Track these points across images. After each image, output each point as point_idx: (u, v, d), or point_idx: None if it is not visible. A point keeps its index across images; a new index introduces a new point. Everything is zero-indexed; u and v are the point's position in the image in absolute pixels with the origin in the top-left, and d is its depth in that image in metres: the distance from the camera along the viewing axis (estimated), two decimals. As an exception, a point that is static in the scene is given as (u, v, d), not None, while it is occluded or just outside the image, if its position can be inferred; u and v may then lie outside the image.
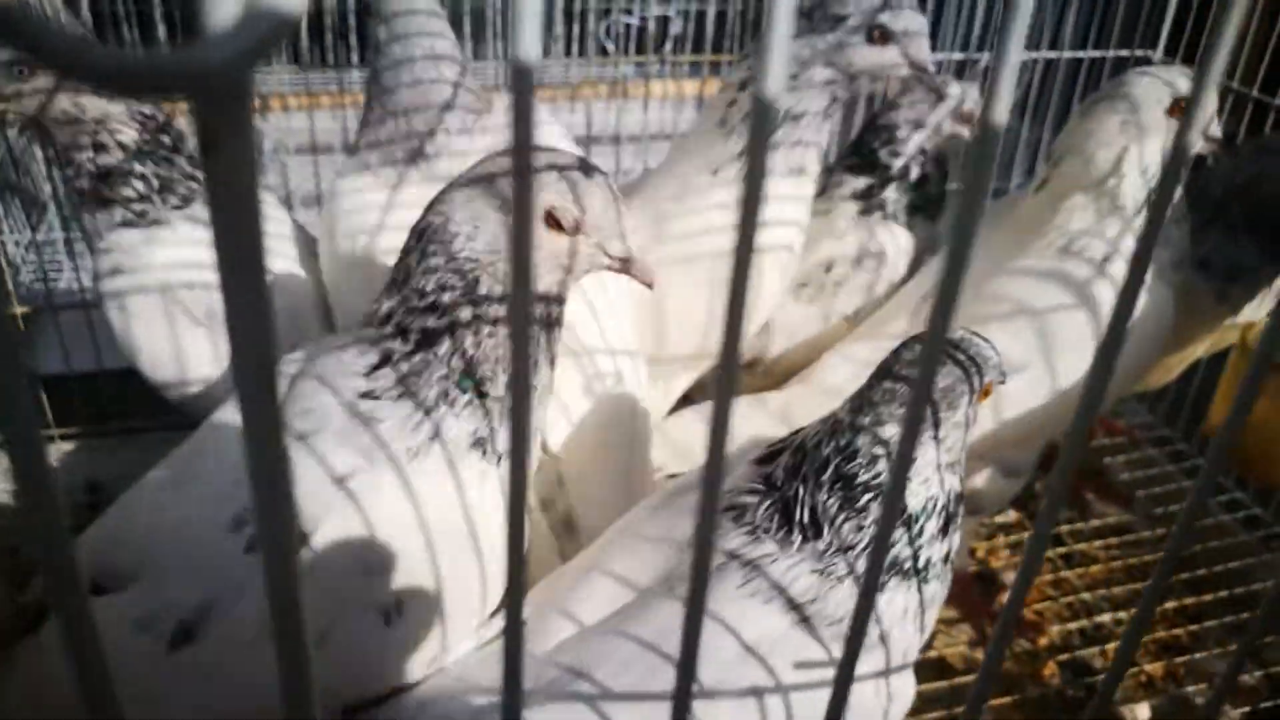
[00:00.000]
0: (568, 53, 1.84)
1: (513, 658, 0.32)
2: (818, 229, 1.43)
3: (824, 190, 1.47)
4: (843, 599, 0.77)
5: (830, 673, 0.74)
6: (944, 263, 0.31)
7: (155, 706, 0.75)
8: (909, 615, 0.79)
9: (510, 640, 0.32)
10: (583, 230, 0.82)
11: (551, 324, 0.84)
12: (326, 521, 0.75)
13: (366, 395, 0.78)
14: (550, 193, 0.80)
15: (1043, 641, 1.36)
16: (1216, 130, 1.28)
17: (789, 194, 1.28)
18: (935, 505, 0.80)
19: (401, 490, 0.78)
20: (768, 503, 0.81)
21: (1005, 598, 1.40)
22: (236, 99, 0.18)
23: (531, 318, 0.76)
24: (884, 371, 0.82)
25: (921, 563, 0.79)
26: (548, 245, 0.81)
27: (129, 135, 1.18)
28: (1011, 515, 1.56)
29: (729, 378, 0.29)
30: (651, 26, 1.81)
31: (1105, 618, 1.40)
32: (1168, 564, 0.42)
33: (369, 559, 0.77)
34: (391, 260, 1.18)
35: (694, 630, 0.31)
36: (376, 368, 0.79)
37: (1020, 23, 0.28)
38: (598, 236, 0.83)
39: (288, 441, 0.79)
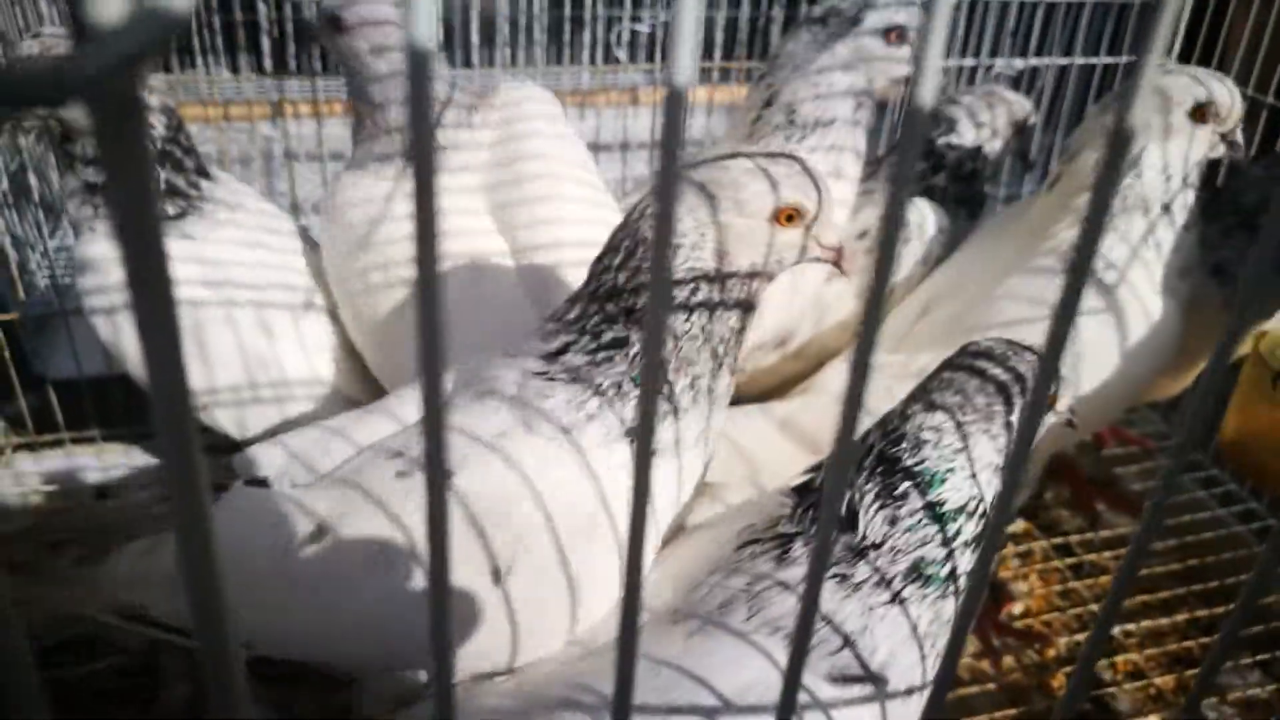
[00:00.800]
0: (575, 60, 1.84)
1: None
2: (859, 203, 1.43)
3: (873, 174, 1.48)
4: (850, 613, 0.75)
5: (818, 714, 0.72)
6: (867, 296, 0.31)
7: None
8: (923, 630, 0.76)
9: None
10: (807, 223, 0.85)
11: (741, 333, 0.86)
12: (466, 468, 0.81)
13: (539, 375, 0.85)
14: (789, 188, 0.82)
15: (1050, 653, 1.35)
16: (1239, 136, 1.25)
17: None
18: (980, 505, 0.77)
19: (541, 461, 0.82)
20: (803, 507, 0.81)
21: (1013, 608, 1.39)
22: (123, 106, 0.18)
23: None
24: (946, 364, 0.83)
25: (947, 570, 0.76)
26: (779, 239, 0.84)
27: (157, 131, 1.20)
28: (1020, 525, 1.55)
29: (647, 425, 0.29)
30: (660, 34, 1.81)
31: (1115, 629, 1.38)
32: (1143, 537, 0.40)
33: (490, 512, 0.80)
34: (391, 249, 1.19)
35: (627, 675, 0.31)
36: (555, 355, 0.85)
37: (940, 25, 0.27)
38: (816, 228, 0.85)
39: (467, 398, 0.83)
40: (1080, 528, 1.56)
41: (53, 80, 0.17)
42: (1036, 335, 1.18)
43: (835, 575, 0.76)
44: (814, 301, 1.39)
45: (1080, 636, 1.37)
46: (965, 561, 0.77)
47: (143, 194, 0.19)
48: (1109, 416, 1.38)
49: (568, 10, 1.78)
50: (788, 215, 0.83)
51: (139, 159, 0.19)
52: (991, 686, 1.29)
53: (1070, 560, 1.49)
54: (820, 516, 0.76)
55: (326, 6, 1.22)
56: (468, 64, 1.85)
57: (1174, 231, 1.23)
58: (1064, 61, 1.83)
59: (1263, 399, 1.38)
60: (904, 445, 0.78)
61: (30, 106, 0.19)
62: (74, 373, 1.47)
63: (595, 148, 1.77)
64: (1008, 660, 1.33)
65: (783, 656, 0.73)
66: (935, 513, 0.76)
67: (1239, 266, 1.39)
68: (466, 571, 0.80)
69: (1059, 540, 1.53)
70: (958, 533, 0.77)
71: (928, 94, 0.30)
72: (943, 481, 0.77)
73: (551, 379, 0.84)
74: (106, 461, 1.51)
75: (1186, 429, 0.36)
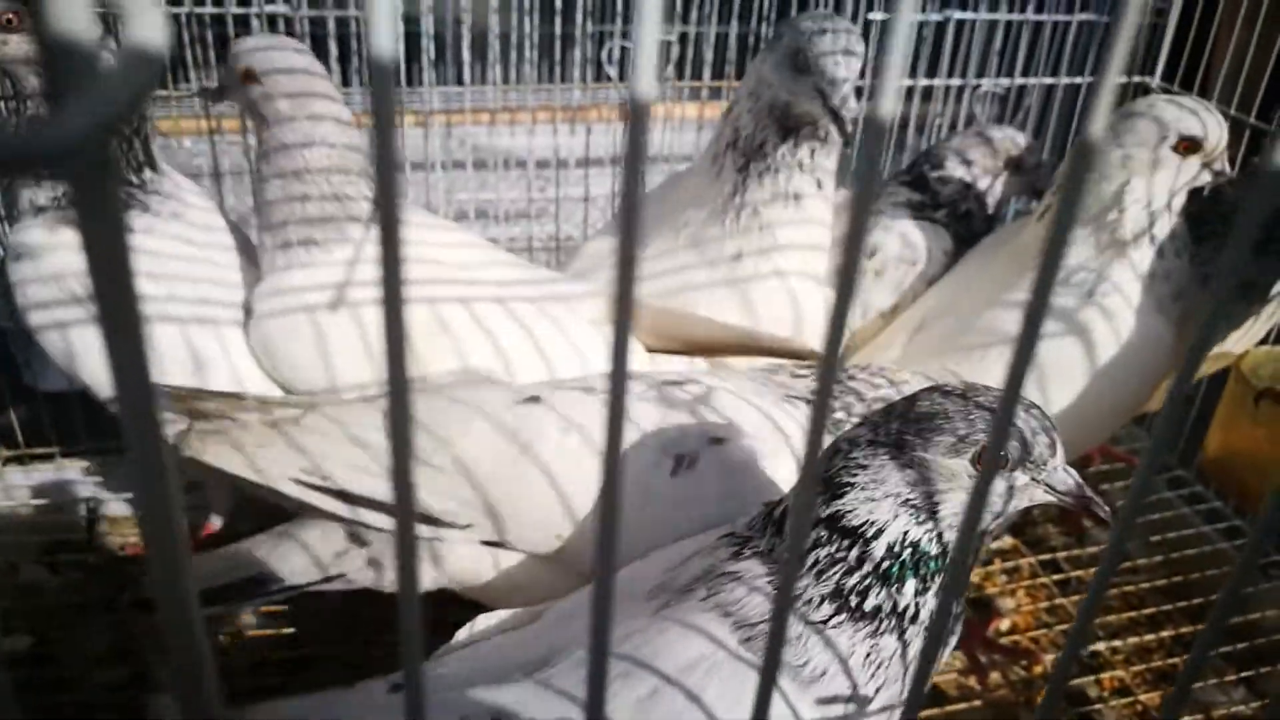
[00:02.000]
0: (566, 77, 1.85)
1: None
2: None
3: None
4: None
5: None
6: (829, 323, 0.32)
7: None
8: (858, 662, 0.75)
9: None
10: None
11: None
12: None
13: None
14: None
15: (1038, 669, 1.35)
16: (1224, 165, 1.26)
17: (788, 219, 1.29)
18: (878, 534, 0.75)
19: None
20: (763, 514, 0.82)
21: (1000, 624, 1.40)
22: (95, 171, 0.19)
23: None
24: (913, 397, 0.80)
25: (869, 606, 0.75)
26: None
27: None
28: (1007, 541, 1.55)
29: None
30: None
31: (1101, 646, 1.39)
32: (1118, 540, 0.41)
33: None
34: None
35: (600, 660, 0.32)
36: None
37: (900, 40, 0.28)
38: None
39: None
40: (1067, 544, 1.57)
41: (30, 148, 0.18)
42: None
43: (773, 583, 0.76)
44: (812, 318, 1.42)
45: (1066, 653, 1.38)
46: (882, 598, 0.75)
47: (116, 250, 0.20)
48: (1103, 436, 1.39)
49: (559, 27, 1.79)
50: None
51: (113, 217, 0.19)
52: (978, 703, 1.29)
53: (1057, 576, 1.50)
54: (789, 532, 0.77)
55: (234, 55, 1.19)
56: (459, 81, 1.86)
57: (1163, 258, 1.25)
58: (1050, 81, 1.85)
59: (1244, 417, 1.39)
60: (825, 451, 0.78)
61: (6, 172, 0.19)
62: (64, 386, 1.48)
63: (586, 163, 1.78)
64: (994, 676, 1.33)
65: (727, 637, 0.75)
66: (838, 527, 0.76)
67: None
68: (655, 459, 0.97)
69: (1046, 556, 1.54)
70: (863, 558, 0.75)
71: (887, 105, 0.31)
72: (841, 495, 0.76)
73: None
74: (97, 475, 1.52)
75: (1155, 432, 0.37)
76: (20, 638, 1.21)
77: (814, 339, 1.33)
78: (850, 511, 0.76)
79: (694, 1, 1.80)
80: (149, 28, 0.18)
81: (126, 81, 0.18)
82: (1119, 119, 1.26)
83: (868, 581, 0.75)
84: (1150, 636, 1.40)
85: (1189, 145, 1.22)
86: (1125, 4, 0.29)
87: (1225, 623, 0.45)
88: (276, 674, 1.23)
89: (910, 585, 0.76)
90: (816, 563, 0.76)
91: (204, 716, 0.29)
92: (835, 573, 0.75)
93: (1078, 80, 1.82)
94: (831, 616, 0.75)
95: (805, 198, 1.29)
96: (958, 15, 1.84)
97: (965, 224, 1.51)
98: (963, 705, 1.28)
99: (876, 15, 1.79)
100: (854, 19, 1.70)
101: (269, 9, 1.69)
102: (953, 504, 0.75)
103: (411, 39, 1.69)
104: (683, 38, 1.85)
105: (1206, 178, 1.26)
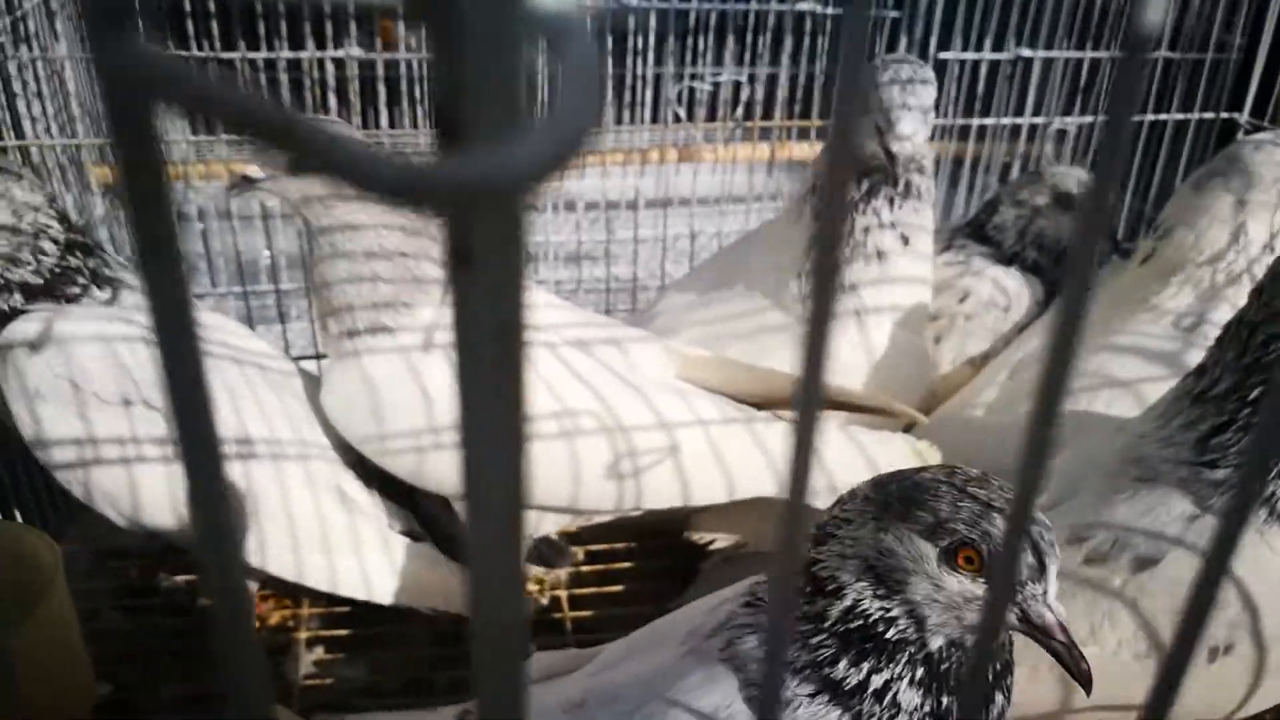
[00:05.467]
0: (640, 119, 1.85)
1: None
2: (956, 273, 1.44)
3: (949, 245, 1.50)
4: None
5: None
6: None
7: None
8: None
9: None
10: None
11: None
12: (1171, 553, 0.87)
13: (1204, 463, 0.89)
14: None
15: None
16: None
17: (870, 279, 1.27)
18: (839, 593, 0.70)
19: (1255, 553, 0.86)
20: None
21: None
22: (515, 215, 0.16)
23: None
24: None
25: (839, 677, 0.68)
26: None
27: (57, 231, 1.08)
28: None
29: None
30: (725, 92, 1.81)
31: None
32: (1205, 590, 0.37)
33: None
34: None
35: None
36: (1215, 432, 0.89)
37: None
38: None
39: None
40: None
41: (470, 187, 0.15)
42: (1141, 393, 1.15)
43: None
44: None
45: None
46: (856, 672, 0.68)
47: (513, 306, 0.17)
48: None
49: (629, 67, 1.79)
50: None
51: (517, 276, 0.17)
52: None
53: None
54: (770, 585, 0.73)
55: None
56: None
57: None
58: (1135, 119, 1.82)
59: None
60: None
61: (407, 205, 0.17)
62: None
63: (662, 203, 1.77)
64: None
65: (734, 694, 0.70)
66: (811, 575, 0.71)
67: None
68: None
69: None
70: (823, 615, 0.69)
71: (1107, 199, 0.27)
72: (822, 543, 0.71)
73: (1215, 465, 0.88)
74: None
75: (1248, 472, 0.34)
76: (103, 685, 1.19)
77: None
78: (822, 563, 0.70)
79: (763, 42, 1.79)
80: (584, 61, 0.16)
81: (567, 122, 0.16)
82: (1226, 161, 1.23)
83: (832, 649, 0.69)
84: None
85: None
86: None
87: None
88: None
89: (867, 663, 0.68)
90: (804, 620, 0.70)
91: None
92: (809, 633, 0.69)
93: (1163, 118, 1.79)
94: (817, 693, 0.68)
95: (890, 255, 1.26)
96: (1026, 53, 1.83)
97: (1038, 275, 1.46)
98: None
99: (949, 54, 1.77)
100: (923, 57, 1.69)
101: (318, 54, 1.68)
102: (916, 588, 0.68)
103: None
104: (755, 79, 1.84)
105: None
